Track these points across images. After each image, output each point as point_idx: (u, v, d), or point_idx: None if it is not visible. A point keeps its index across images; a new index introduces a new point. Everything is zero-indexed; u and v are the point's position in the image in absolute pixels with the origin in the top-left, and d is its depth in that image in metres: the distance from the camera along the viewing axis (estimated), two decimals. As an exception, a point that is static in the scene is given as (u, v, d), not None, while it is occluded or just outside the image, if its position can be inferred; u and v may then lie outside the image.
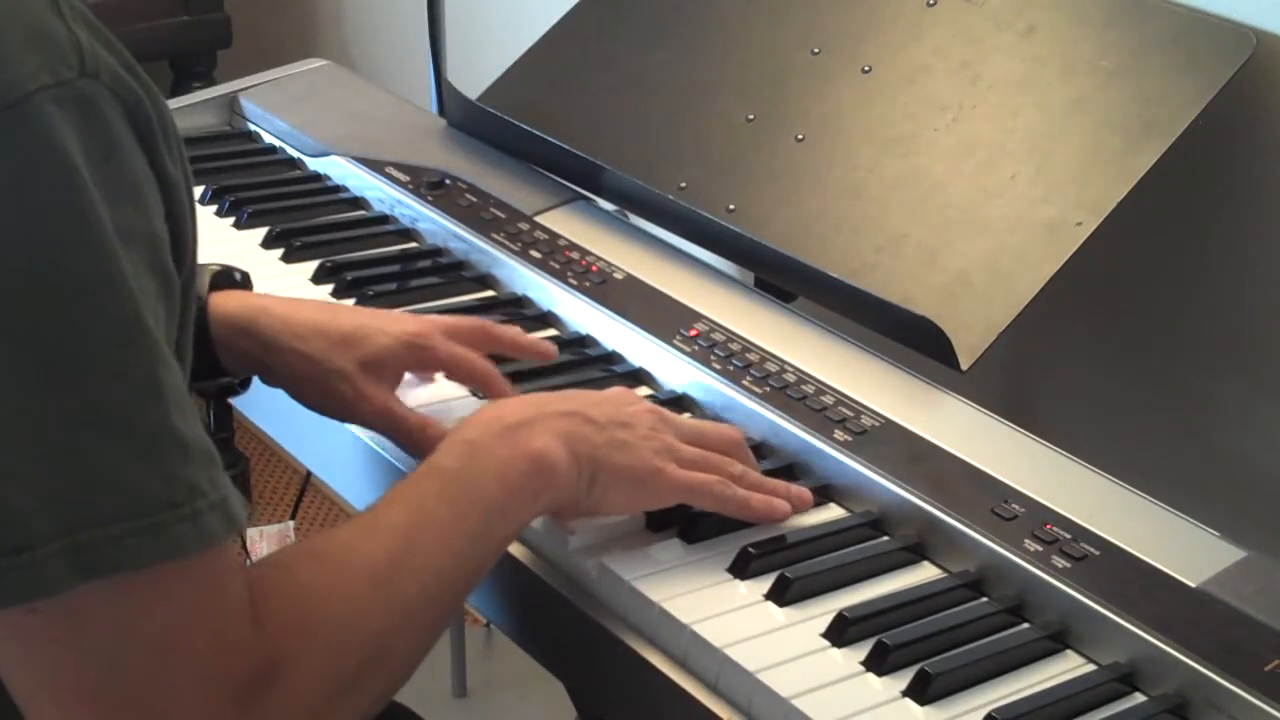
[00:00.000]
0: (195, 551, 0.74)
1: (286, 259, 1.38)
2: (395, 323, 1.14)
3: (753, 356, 1.20)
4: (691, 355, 1.20)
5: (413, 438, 1.08)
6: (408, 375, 1.16)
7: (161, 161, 0.77)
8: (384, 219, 1.46)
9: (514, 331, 1.18)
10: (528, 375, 1.19)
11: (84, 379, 0.71)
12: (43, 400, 0.70)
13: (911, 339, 1.22)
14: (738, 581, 1.00)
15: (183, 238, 0.80)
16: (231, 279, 1.15)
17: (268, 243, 1.40)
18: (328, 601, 0.83)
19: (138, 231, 0.74)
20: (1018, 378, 1.55)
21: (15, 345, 0.70)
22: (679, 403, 1.19)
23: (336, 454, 1.18)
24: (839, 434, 1.11)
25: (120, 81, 0.74)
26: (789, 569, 1.00)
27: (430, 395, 1.17)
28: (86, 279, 0.71)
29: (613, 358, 1.25)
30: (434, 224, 1.41)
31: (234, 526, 0.76)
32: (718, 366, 1.19)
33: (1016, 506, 1.03)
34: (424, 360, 1.13)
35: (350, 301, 1.31)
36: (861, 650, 0.95)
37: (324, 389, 1.10)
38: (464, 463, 0.94)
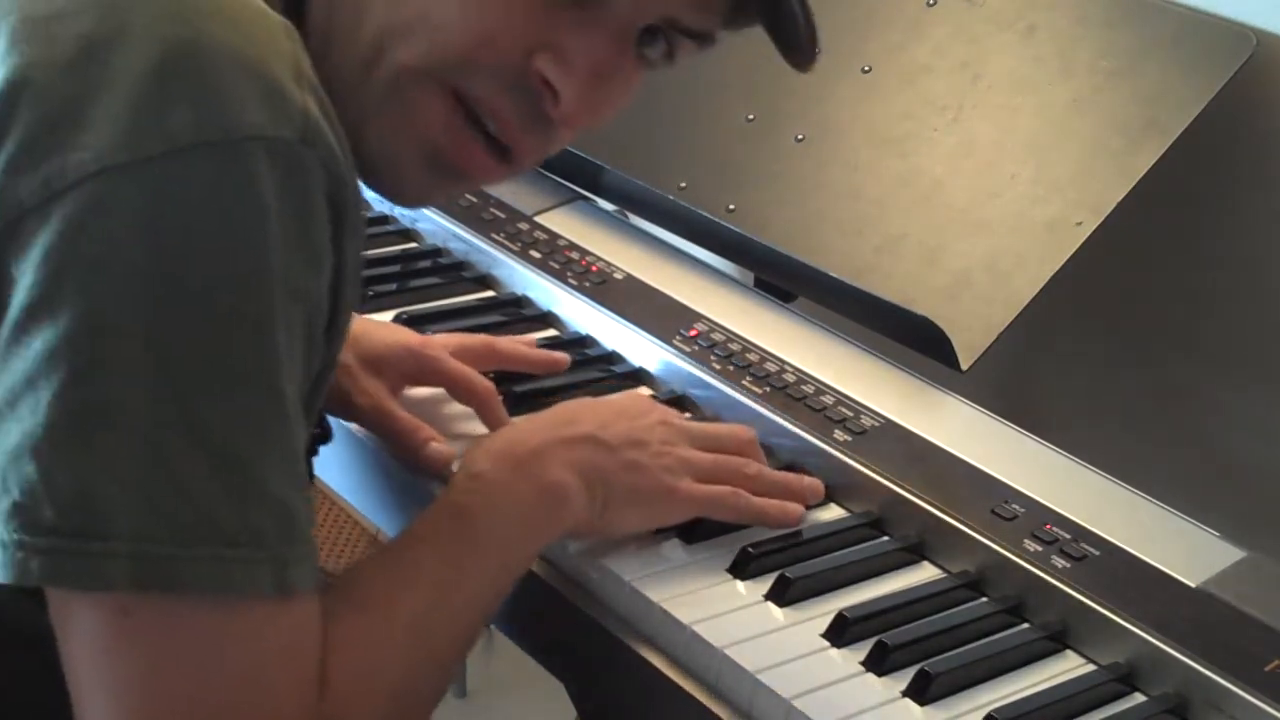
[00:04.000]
0: (235, 594, 0.75)
1: (286, 259, 1.38)
2: (400, 331, 1.15)
3: (753, 356, 1.20)
4: (691, 355, 1.20)
5: (404, 441, 1.09)
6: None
7: (343, 246, 0.80)
8: (384, 219, 1.46)
9: (520, 347, 1.18)
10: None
11: (209, 407, 0.73)
12: (162, 411, 0.73)
13: (911, 339, 1.22)
14: (738, 581, 1.00)
15: (339, 323, 0.82)
16: None
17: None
18: (378, 656, 0.84)
19: (302, 293, 0.76)
20: (1018, 378, 1.55)
21: (157, 355, 0.72)
22: (679, 403, 1.19)
23: (336, 454, 1.18)
24: (839, 434, 1.11)
25: (333, 159, 0.77)
26: (789, 569, 1.00)
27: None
28: (245, 319, 0.74)
29: (613, 358, 1.25)
30: (434, 224, 1.41)
31: (283, 589, 0.77)
32: (718, 366, 1.19)
33: (1016, 506, 1.03)
34: (426, 369, 1.13)
35: (350, 301, 1.31)
36: (861, 650, 0.95)
37: None
38: (479, 500, 0.95)
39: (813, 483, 1.08)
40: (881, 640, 0.94)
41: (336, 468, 1.19)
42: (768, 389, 1.16)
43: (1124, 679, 0.95)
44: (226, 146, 0.72)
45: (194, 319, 0.73)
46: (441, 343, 1.15)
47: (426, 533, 0.93)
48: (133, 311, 0.72)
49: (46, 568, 0.72)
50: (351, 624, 0.84)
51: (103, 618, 0.74)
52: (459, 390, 1.14)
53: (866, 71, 1.39)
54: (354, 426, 1.13)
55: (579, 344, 1.27)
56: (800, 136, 1.39)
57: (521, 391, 1.17)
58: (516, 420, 1.10)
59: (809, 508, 1.07)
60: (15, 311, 0.72)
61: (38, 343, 0.72)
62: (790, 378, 1.17)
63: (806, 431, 1.12)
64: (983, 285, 1.23)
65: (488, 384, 1.13)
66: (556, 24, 0.83)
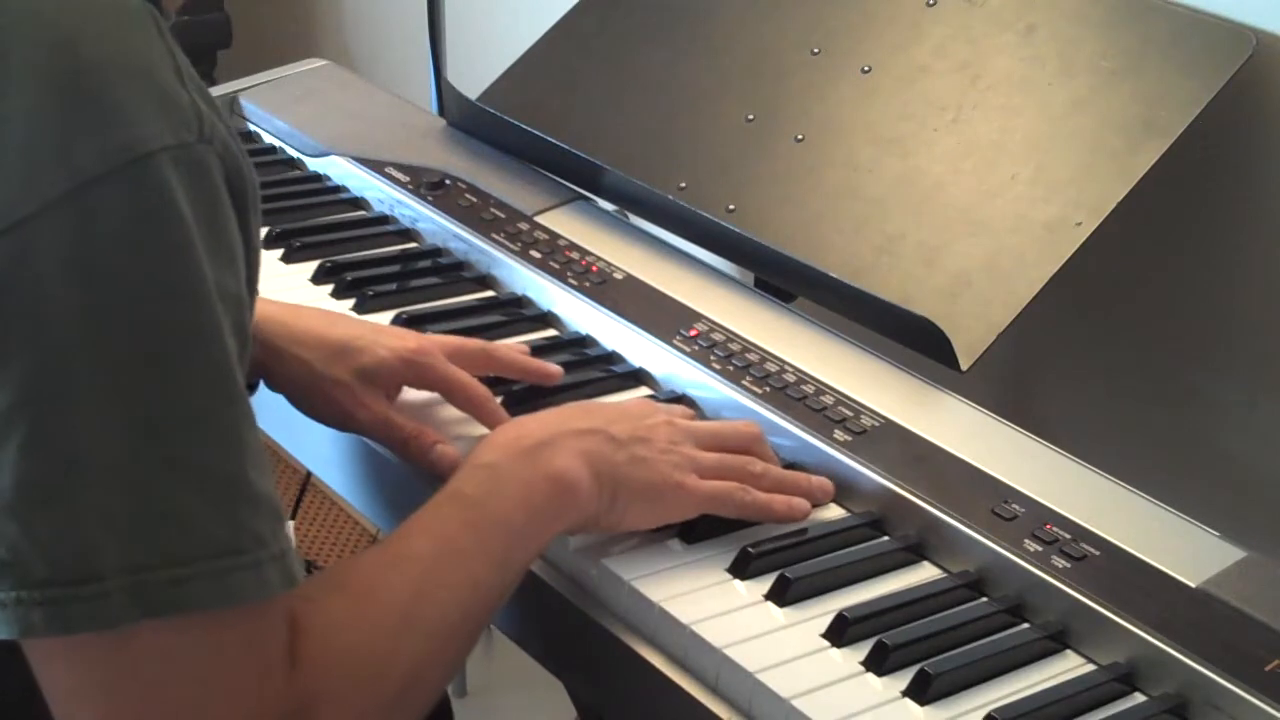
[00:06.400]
0: (251, 600, 0.76)
1: (286, 259, 1.38)
2: (396, 337, 1.14)
3: (753, 356, 1.20)
4: (691, 355, 1.20)
5: (408, 446, 1.09)
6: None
7: (249, 227, 0.80)
8: (384, 219, 1.46)
9: (515, 354, 1.18)
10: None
11: (173, 426, 0.74)
12: (131, 441, 0.73)
13: (911, 339, 1.22)
14: (738, 581, 1.00)
15: (252, 302, 0.83)
16: None
17: (268, 243, 1.40)
18: (355, 635, 0.84)
19: (230, 293, 0.77)
20: (1018, 378, 1.55)
21: (115, 388, 0.72)
22: (679, 403, 1.19)
23: (336, 454, 1.18)
24: (839, 434, 1.11)
25: (228, 150, 0.77)
26: (789, 569, 1.00)
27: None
28: (189, 331, 0.74)
29: (613, 358, 1.25)
30: (434, 224, 1.41)
31: (290, 582, 0.78)
32: (718, 366, 1.19)
33: (1016, 506, 1.03)
34: (421, 377, 1.13)
35: (350, 302, 1.31)
36: (861, 650, 0.95)
37: (322, 397, 1.10)
38: (486, 488, 0.95)
39: (821, 482, 1.08)
40: (881, 640, 0.94)
41: (336, 468, 1.19)
42: (768, 389, 1.16)
43: (1124, 679, 0.95)
44: (134, 166, 0.72)
45: (142, 345, 0.73)
46: (438, 344, 1.15)
47: (424, 518, 0.93)
48: (81, 354, 0.72)
49: (48, 618, 0.72)
50: (326, 604, 0.83)
51: (100, 656, 0.74)
52: (455, 395, 1.14)
53: (866, 71, 1.39)
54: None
55: (579, 344, 1.27)
56: (800, 136, 1.39)
57: (520, 391, 1.17)
58: (523, 416, 1.10)
59: (815, 506, 1.07)
60: None
61: None
62: (790, 378, 1.17)
63: (806, 431, 1.12)
64: (982, 285, 1.23)
65: (484, 389, 1.13)
66: None
